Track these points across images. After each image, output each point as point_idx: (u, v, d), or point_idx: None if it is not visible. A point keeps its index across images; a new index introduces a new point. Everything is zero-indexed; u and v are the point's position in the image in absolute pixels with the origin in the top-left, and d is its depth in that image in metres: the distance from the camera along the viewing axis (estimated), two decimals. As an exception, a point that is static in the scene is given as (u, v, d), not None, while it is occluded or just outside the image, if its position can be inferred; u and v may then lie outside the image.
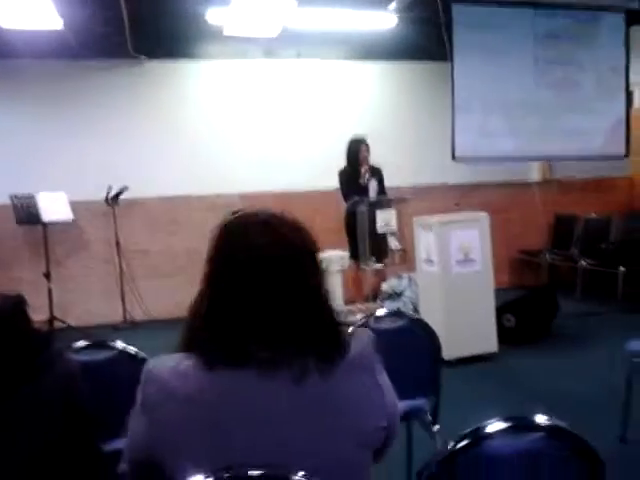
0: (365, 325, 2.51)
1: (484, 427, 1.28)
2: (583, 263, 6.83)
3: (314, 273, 1.21)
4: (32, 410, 1.27)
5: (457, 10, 5.75)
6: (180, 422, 1.12)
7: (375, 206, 5.44)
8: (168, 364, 1.16)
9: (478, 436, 1.27)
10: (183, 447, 1.12)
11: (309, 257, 1.22)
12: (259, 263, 1.17)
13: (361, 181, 5.68)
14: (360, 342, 1.23)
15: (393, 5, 5.75)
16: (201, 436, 1.12)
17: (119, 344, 2.27)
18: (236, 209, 1.27)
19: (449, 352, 4.55)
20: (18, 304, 2.71)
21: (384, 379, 1.26)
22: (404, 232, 5.60)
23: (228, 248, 1.20)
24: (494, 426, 1.29)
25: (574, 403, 3.76)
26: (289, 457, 1.12)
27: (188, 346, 1.18)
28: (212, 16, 5.60)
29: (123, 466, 1.23)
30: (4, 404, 1.24)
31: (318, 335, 1.17)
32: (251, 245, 1.18)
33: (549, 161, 7.46)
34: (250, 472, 1.09)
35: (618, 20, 6.28)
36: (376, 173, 5.81)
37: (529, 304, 5.46)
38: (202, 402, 1.12)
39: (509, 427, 1.29)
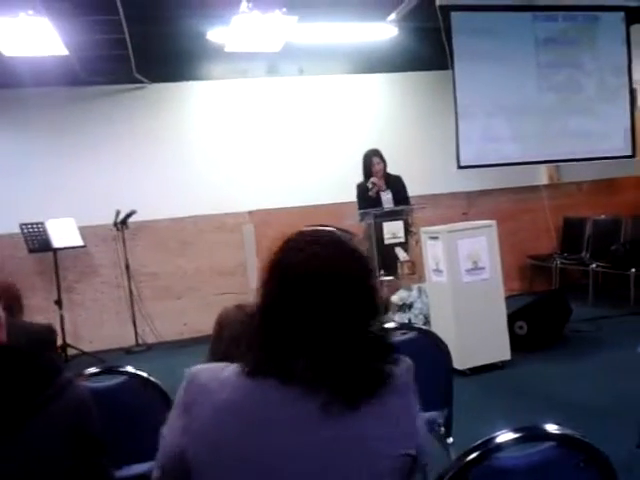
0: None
1: (494, 438, 1.27)
2: (594, 266, 6.78)
3: (364, 300, 1.20)
4: (42, 440, 1.28)
5: (456, 18, 5.77)
6: (216, 428, 1.13)
7: (381, 218, 5.44)
8: (210, 370, 1.19)
9: (488, 448, 1.27)
10: (216, 454, 1.12)
11: (360, 283, 1.21)
12: (309, 284, 1.17)
13: (370, 193, 5.70)
14: (402, 367, 1.23)
15: (392, 16, 5.79)
16: (233, 442, 1.12)
17: (130, 369, 2.28)
18: (308, 225, 1.27)
19: (462, 362, 4.55)
20: (46, 335, 2.75)
21: (417, 409, 1.25)
22: (412, 243, 5.59)
23: (283, 264, 1.20)
24: (504, 437, 1.28)
25: (589, 410, 3.73)
26: (325, 476, 1.12)
27: (241, 354, 1.19)
28: (213, 35, 5.66)
29: (154, 472, 1.23)
30: (14, 435, 1.25)
31: (364, 356, 1.17)
32: (307, 260, 1.18)
33: (556, 164, 7.44)
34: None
35: (617, 19, 6.28)
36: (394, 182, 5.82)
37: (540, 310, 5.42)
38: (239, 410, 1.13)
39: (520, 437, 1.28)
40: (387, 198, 5.77)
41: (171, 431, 1.19)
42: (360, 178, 5.87)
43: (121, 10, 4.70)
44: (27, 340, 2.46)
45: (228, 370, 1.17)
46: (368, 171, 5.79)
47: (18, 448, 1.24)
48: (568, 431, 1.28)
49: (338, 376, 1.13)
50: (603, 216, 7.35)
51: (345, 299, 1.17)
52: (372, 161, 5.76)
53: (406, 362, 1.25)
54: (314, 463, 1.12)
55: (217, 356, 1.63)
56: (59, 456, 1.28)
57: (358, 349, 1.16)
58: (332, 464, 1.13)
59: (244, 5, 4.42)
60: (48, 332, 2.82)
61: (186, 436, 1.15)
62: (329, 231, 1.25)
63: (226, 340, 1.68)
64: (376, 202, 5.69)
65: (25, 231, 6.00)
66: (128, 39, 5.41)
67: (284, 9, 4.50)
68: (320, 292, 1.16)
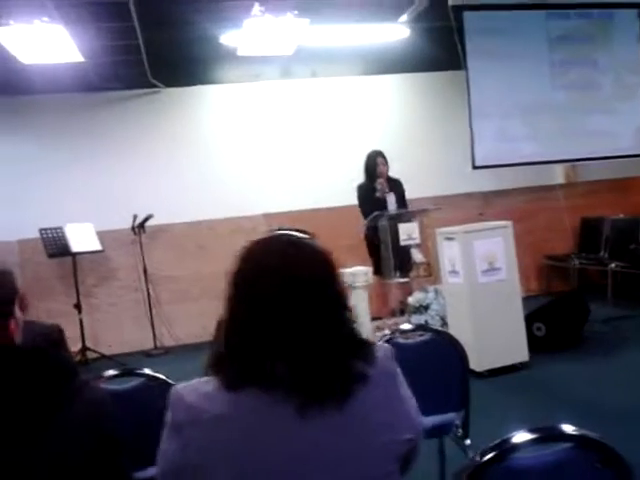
0: (391, 340, 2.51)
1: (510, 439, 1.27)
2: (613, 266, 6.71)
3: (331, 295, 1.22)
4: (63, 442, 1.29)
5: (469, 17, 5.75)
6: (207, 443, 1.14)
7: (396, 219, 5.42)
8: (193, 387, 1.19)
9: (505, 448, 1.26)
10: (211, 468, 1.13)
11: (326, 280, 1.23)
12: (275, 286, 1.18)
13: (378, 194, 5.67)
14: (382, 357, 1.25)
15: (404, 17, 5.78)
16: (228, 456, 1.13)
17: (148, 372, 2.30)
18: (270, 229, 1.30)
19: (480, 364, 4.52)
20: (52, 334, 2.76)
21: (407, 392, 1.27)
22: (427, 244, 5.57)
23: (246, 271, 1.23)
24: (521, 437, 1.28)
25: (609, 411, 3.69)
26: (319, 476, 1.13)
27: (213, 369, 1.20)
28: (226, 39, 5.69)
29: None
30: (35, 438, 1.26)
31: (337, 354, 1.18)
32: (268, 268, 1.20)
33: (572, 163, 7.38)
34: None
35: (632, 16, 6.22)
36: (395, 185, 5.80)
37: (559, 310, 5.37)
38: (227, 422, 1.14)
39: (536, 438, 1.28)
40: (392, 200, 5.74)
41: (167, 452, 1.20)
42: None
43: (135, 16, 4.74)
44: (33, 339, 2.47)
45: (210, 385, 1.18)
46: (372, 172, 5.75)
47: (39, 450, 1.25)
48: (585, 432, 1.28)
49: (314, 377, 1.14)
50: (621, 215, 7.27)
51: (308, 301, 1.18)
52: (377, 162, 5.74)
53: (383, 349, 1.27)
54: (314, 463, 1.13)
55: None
56: (79, 457, 1.29)
57: (328, 348, 1.17)
58: (331, 462, 1.14)
59: (256, 9, 4.45)
60: (55, 331, 2.82)
61: (183, 456, 1.16)
62: (286, 236, 1.26)
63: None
64: (382, 204, 5.67)
65: (44, 236, 6.07)
66: (142, 45, 5.45)
67: (296, 12, 4.51)
68: (282, 297, 1.17)
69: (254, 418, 1.14)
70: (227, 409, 1.14)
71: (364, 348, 1.23)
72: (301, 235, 1.27)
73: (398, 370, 1.26)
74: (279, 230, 1.30)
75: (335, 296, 1.23)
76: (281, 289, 1.18)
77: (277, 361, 1.15)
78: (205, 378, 1.20)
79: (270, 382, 1.14)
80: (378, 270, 5.66)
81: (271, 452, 1.13)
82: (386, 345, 1.30)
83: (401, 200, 5.79)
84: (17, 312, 1.44)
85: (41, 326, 2.79)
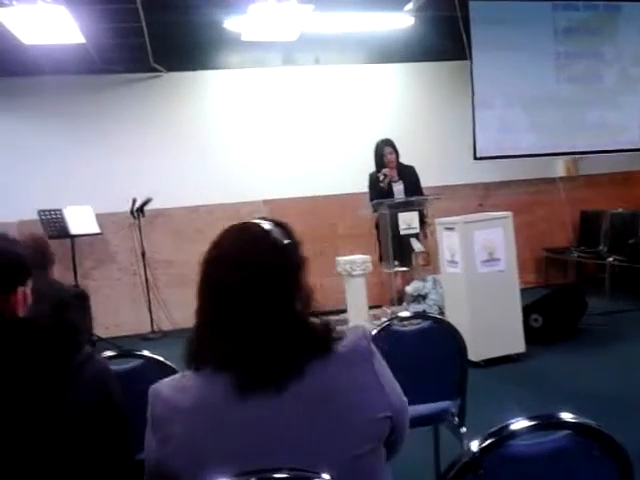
0: (388, 327, 2.51)
1: (509, 425, 1.27)
2: (611, 260, 6.72)
3: (284, 286, 1.25)
4: (72, 414, 1.29)
5: (475, 7, 5.72)
6: (188, 434, 1.17)
7: (396, 208, 5.42)
8: (170, 383, 1.24)
9: (502, 435, 1.26)
10: (196, 457, 1.16)
11: (279, 270, 1.25)
12: (228, 272, 1.24)
13: (381, 184, 5.66)
14: (353, 336, 1.27)
15: (410, 5, 5.75)
16: (210, 443, 1.15)
17: (146, 353, 2.29)
18: (250, 218, 1.34)
19: (476, 353, 4.53)
20: (80, 298, 2.75)
21: (384, 370, 1.28)
22: (427, 233, 5.57)
23: (209, 258, 1.29)
24: (519, 424, 1.28)
25: (604, 402, 3.70)
26: (299, 457, 1.15)
27: (185, 352, 1.26)
28: (230, 24, 5.66)
29: None
30: (45, 411, 1.27)
31: (295, 335, 1.21)
32: (225, 255, 1.27)
33: (573, 156, 7.37)
34: (276, 475, 1.10)
35: (639, 9, 6.19)
36: (407, 173, 5.79)
37: (556, 303, 5.39)
38: (203, 411, 1.17)
39: (535, 425, 1.28)
40: (399, 189, 5.74)
41: (148, 448, 1.23)
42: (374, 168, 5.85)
43: (139, -2, 4.71)
44: (58, 302, 2.47)
45: (184, 378, 1.23)
46: (380, 161, 5.76)
47: (47, 424, 1.26)
48: (583, 420, 1.28)
49: (278, 354, 1.18)
50: (621, 209, 7.27)
51: (267, 288, 1.22)
52: (384, 151, 5.73)
53: (356, 330, 1.30)
54: (292, 444, 1.15)
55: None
56: (87, 430, 1.30)
57: (275, 332, 1.20)
58: (309, 443, 1.16)
59: (261, -7, 4.42)
60: (81, 297, 2.84)
61: (163, 450, 1.18)
62: (251, 224, 1.31)
63: None
64: (388, 193, 5.66)
65: (43, 217, 6.05)
66: (145, 28, 5.42)
67: (300, -3, 4.49)
68: (235, 284, 1.22)
69: (227, 403, 1.16)
70: (201, 397, 1.18)
71: (323, 331, 1.25)
72: (270, 224, 1.30)
73: (374, 349, 1.28)
74: (256, 219, 1.33)
75: (288, 287, 1.25)
76: (233, 276, 1.22)
77: (229, 344, 1.19)
78: (179, 373, 1.26)
79: (222, 364, 1.18)
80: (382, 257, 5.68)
81: (233, 435, 1.15)
82: (361, 326, 1.32)
83: (413, 187, 5.76)
84: (25, 285, 1.43)
85: (68, 290, 2.81)
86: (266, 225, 1.29)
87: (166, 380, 1.25)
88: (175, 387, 1.22)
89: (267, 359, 1.18)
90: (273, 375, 1.17)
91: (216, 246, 1.30)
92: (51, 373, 1.29)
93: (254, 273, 1.22)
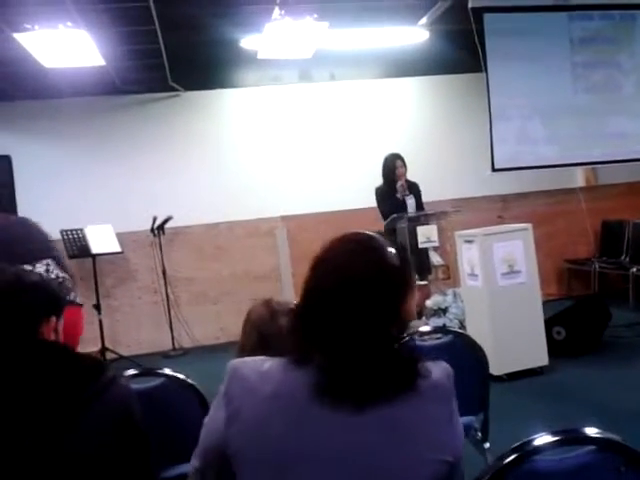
0: (408, 342, 2.49)
1: (533, 440, 1.26)
2: (634, 270, 6.63)
3: (387, 308, 1.22)
4: (93, 437, 1.30)
5: (489, 19, 5.71)
6: (261, 419, 1.16)
7: (415, 221, 5.41)
8: (251, 364, 1.22)
9: (526, 450, 1.25)
10: (263, 443, 1.15)
11: (381, 286, 1.22)
12: (332, 281, 1.21)
13: (398, 196, 5.67)
14: (438, 374, 1.24)
15: (424, 20, 5.76)
16: (283, 435, 1.14)
17: (168, 371, 2.30)
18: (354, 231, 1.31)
19: (499, 367, 4.49)
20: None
21: (456, 415, 1.25)
22: (446, 247, 5.55)
23: (320, 261, 1.26)
24: (543, 439, 1.27)
25: (630, 416, 3.64)
26: (351, 473, 1.14)
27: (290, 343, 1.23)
28: (247, 42, 5.72)
29: (193, 461, 1.26)
30: (65, 433, 1.28)
31: (384, 358, 1.19)
32: (332, 262, 1.24)
33: (592, 166, 7.30)
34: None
35: (655, 18, 6.15)
36: (413, 188, 5.79)
37: (579, 315, 5.32)
38: (283, 402, 1.16)
39: (559, 440, 1.26)
40: (411, 203, 5.74)
41: (214, 421, 1.22)
42: None
43: (156, 20, 4.78)
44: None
45: (268, 364, 1.20)
46: (390, 174, 5.76)
47: (70, 446, 1.27)
48: (608, 434, 1.26)
49: (364, 373, 1.16)
50: (643, 219, 7.19)
51: (367, 301, 1.19)
52: (396, 164, 5.74)
53: (445, 369, 1.26)
54: (347, 459, 1.14)
55: (245, 350, 1.65)
56: (107, 453, 1.30)
57: (368, 351, 1.17)
58: (366, 460, 1.14)
59: (276, 12, 4.46)
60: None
61: (230, 427, 1.18)
62: (370, 235, 1.28)
63: (250, 334, 1.71)
64: (402, 206, 5.66)
65: (65, 237, 6.12)
66: (163, 48, 5.50)
67: (315, 15, 4.52)
68: (336, 293, 1.19)
69: (300, 399, 1.15)
70: (281, 387, 1.16)
71: (410, 361, 1.22)
72: (385, 241, 1.28)
73: (453, 392, 1.24)
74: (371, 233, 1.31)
75: (389, 307, 1.22)
76: (337, 285, 1.20)
77: (321, 352, 1.17)
78: (263, 357, 1.23)
79: (308, 362, 1.16)
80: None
81: (307, 442, 1.14)
82: (445, 364, 1.27)
83: (418, 203, 5.78)
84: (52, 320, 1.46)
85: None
86: (381, 241, 1.28)
87: (247, 359, 1.24)
88: (256, 370, 1.20)
89: (352, 373, 1.16)
90: (355, 392, 1.15)
91: (327, 249, 1.27)
92: (73, 395, 1.30)
93: (355, 282, 1.20)
